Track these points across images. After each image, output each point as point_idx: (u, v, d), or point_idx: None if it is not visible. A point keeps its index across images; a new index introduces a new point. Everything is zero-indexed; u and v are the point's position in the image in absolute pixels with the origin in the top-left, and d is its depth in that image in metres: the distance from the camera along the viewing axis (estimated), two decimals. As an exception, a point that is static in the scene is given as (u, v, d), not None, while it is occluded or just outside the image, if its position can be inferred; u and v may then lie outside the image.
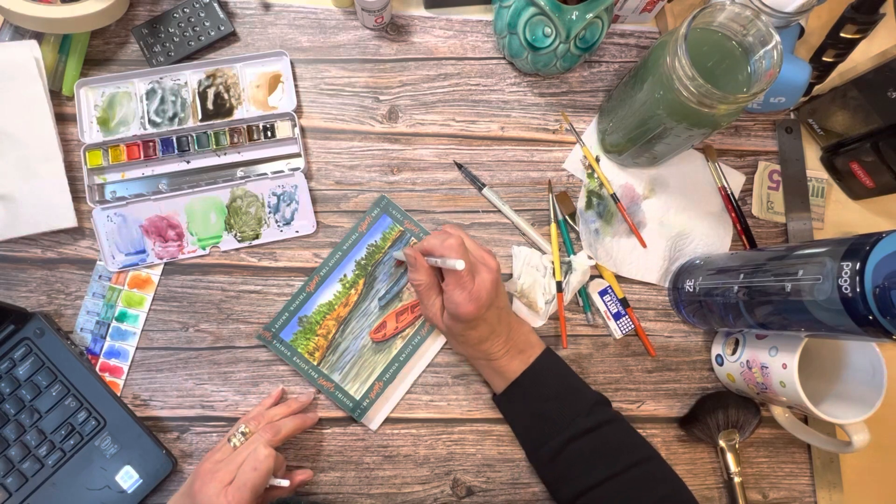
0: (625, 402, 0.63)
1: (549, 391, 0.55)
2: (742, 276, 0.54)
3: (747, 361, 0.58)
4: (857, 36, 0.60)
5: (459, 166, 0.65)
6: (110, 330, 0.61)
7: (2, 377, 0.57)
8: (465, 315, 0.51)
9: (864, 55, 0.62)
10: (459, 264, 0.49)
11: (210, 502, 0.47)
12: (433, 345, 0.62)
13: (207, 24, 0.65)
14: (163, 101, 0.63)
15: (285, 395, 0.61)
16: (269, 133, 0.64)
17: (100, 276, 0.62)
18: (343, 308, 0.62)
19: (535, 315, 0.63)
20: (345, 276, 0.62)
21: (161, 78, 0.64)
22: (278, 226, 0.63)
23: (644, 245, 0.65)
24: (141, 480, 0.57)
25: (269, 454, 0.50)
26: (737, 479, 0.61)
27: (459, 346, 0.57)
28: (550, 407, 0.55)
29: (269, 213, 0.63)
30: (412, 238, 0.63)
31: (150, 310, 0.61)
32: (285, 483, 0.52)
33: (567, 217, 0.65)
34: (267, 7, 0.67)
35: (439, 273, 0.56)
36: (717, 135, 0.69)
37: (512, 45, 0.61)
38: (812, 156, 0.69)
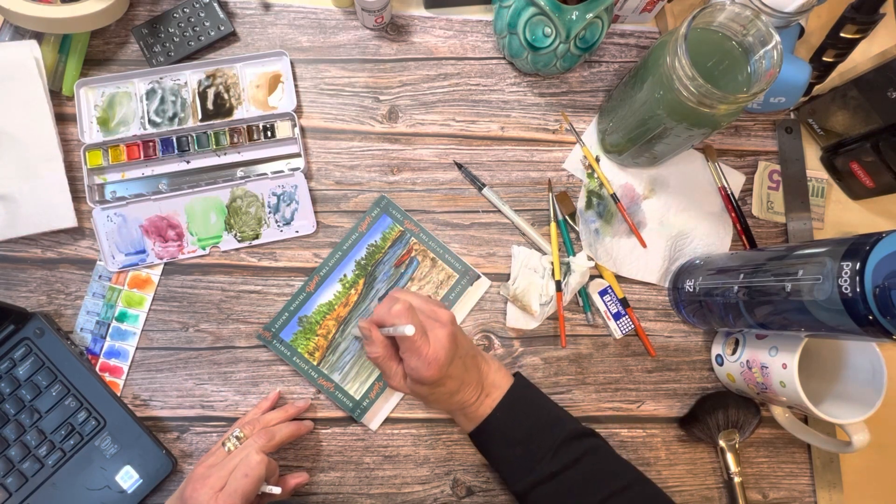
0: (625, 402, 0.63)
1: (514, 434, 0.53)
2: (742, 276, 0.54)
3: (747, 361, 0.58)
4: (857, 36, 0.60)
5: (459, 166, 0.65)
6: (110, 330, 0.61)
7: (2, 377, 0.57)
8: (427, 378, 0.49)
9: (864, 55, 0.62)
10: (409, 329, 0.46)
11: None
12: (433, 345, 0.62)
13: (207, 24, 0.65)
14: (163, 101, 0.63)
15: (283, 399, 0.61)
16: (269, 133, 0.64)
17: (100, 276, 0.62)
18: (343, 308, 0.62)
19: (529, 318, 0.63)
20: (345, 276, 0.62)
21: (161, 78, 0.64)
22: (278, 226, 0.63)
23: (644, 245, 0.65)
24: (141, 480, 0.57)
25: (260, 460, 0.50)
26: (737, 479, 0.61)
27: (432, 405, 0.54)
28: (514, 453, 0.52)
29: (269, 213, 0.63)
30: (412, 238, 0.63)
31: (150, 310, 0.61)
32: (277, 490, 0.51)
33: (567, 217, 0.65)
34: (267, 7, 0.67)
35: (395, 342, 0.53)
36: (717, 135, 0.69)
37: (512, 45, 0.62)
38: (812, 156, 0.69)
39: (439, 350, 0.49)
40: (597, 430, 0.55)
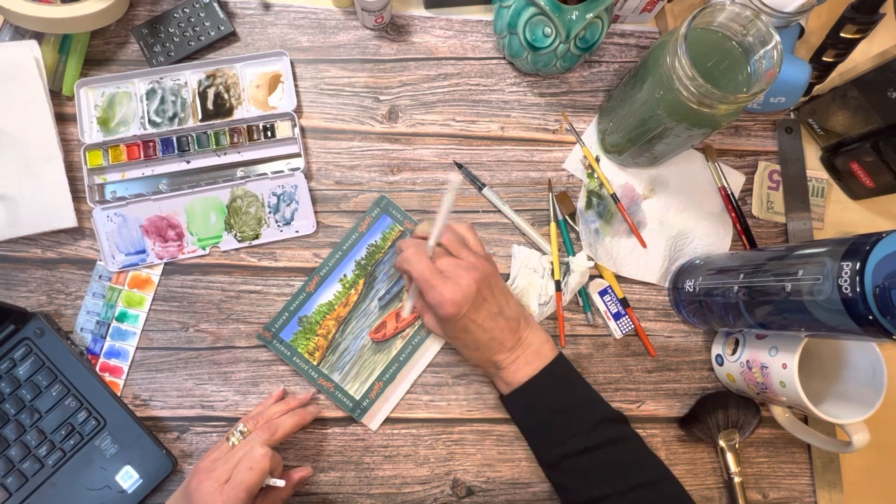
0: (625, 402, 0.63)
1: (553, 403, 0.54)
2: (742, 276, 0.54)
3: (747, 361, 0.58)
4: (857, 36, 0.60)
5: (459, 166, 0.65)
6: (110, 330, 0.61)
7: (2, 377, 0.57)
8: (445, 314, 0.51)
9: (864, 55, 0.62)
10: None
11: (205, 501, 0.47)
12: (433, 345, 0.62)
13: (207, 24, 0.65)
14: (163, 101, 0.63)
15: (286, 396, 0.61)
16: (269, 133, 0.64)
17: (100, 276, 0.62)
18: (343, 308, 0.62)
19: None
20: (345, 276, 0.62)
21: (161, 78, 0.64)
22: (278, 226, 0.63)
23: (644, 245, 0.65)
24: (141, 480, 0.57)
25: (265, 453, 0.50)
26: (737, 479, 0.61)
27: (465, 353, 0.57)
28: (551, 419, 0.54)
29: (269, 213, 0.63)
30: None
31: (150, 310, 0.61)
32: (281, 483, 0.52)
33: (567, 217, 0.65)
34: (267, 7, 0.67)
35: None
36: (717, 135, 0.69)
37: (512, 45, 0.61)
38: (812, 156, 0.69)
39: (457, 290, 0.51)
40: (626, 416, 0.56)
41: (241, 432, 0.53)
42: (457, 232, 0.56)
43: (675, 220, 0.66)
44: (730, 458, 0.61)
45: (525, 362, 0.55)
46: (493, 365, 0.55)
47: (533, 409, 0.55)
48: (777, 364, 0.54)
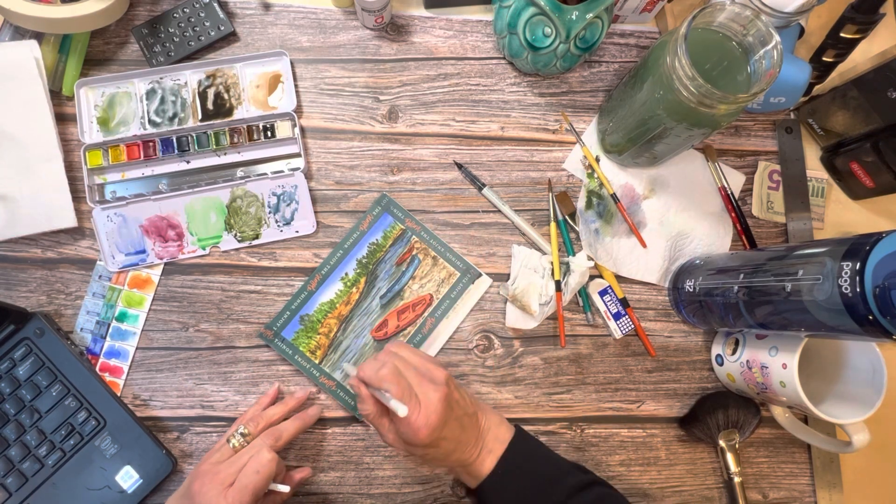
0: (625, 402, 0.63)
1: (517, 492, 0.50)
2: (742, 276, 0.54)
3: (747, 361, 0.58)
4: (857, 36, 0.60)
5: (459, 166, 0.65)
6: (110, 330, 0.61)
7: (2, 377, 0.57)
8: (420, 441, 0.47)
9: (864, 55, 0.62)
10: (402, 410, 0.45)
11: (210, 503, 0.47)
12: (434, 344, 0.62)
13: (207, 24, 0.65)
14: (163, 101, 0.63)
15: (281, 394, 0.61)
16: (269, 133, 0.64)
17: (100, 276, 0.62)
18: (344, 306, 0.62)
19: (529, 318, 0.63)
20: (346, 274, 0.62)
21: (161, 78, 0.64)
22: (278, 226, 0.63)
23: (644, 245, 0.65)
24: (141, 480, 0.57)
25: (272, 458, 0.50)
26: (737, 479, 0.61)
27: (430, 464, 0.52)
28: None
29: (269, 213, 0.63)
30: (413, 237, 0.63)
31: (150, 310, 0.61)
32: (286, 489, 0.52)
33: (567, 217, 0.65)
34: (267, 7, 0.67)
35: None
36: (717, 135, 0.69)
37: (512, 45, 0.62)
38: (812, 156, 0.69)
39: (431, 414, 0.46)
40: (598, 478, 0.52)
41: (242, 434, 0.53)
42: (391, 361, 0.49)
43: (675, 220, 0.66)
44: (730, 458, 0.61)
45: (488, 451, 0.50)
46: (461, 464, 0.50)
47: (502, 501, 0.50)
48: (777, 364, 0.54)
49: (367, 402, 0.49)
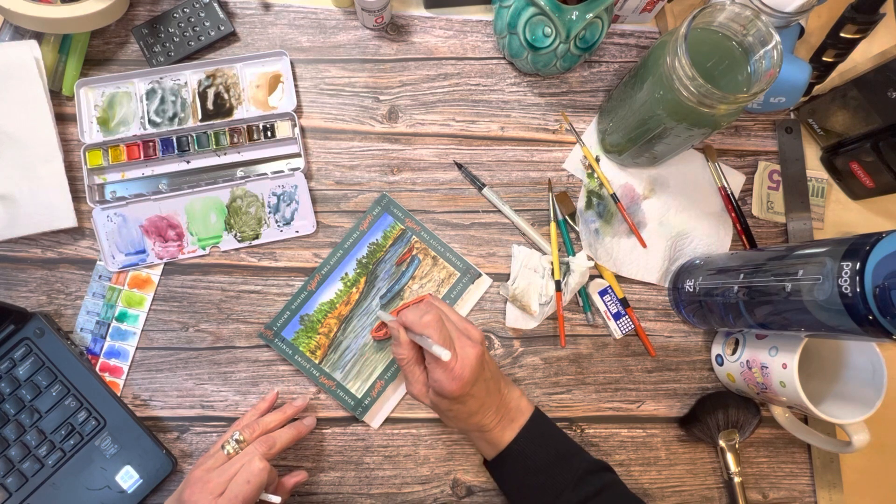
0: (625, 402, 0.63)
1: (537, 462, 0.52)
2: (742, 276, 0.54)
3: (747, 361, 0.58)
4: (857, 36, 0.60)
5: (459, 166, 0.65)
6: (110, 330, 0.61)
7: (2, 377, 0.57)
8: (450, 393, 0.49)
9: (864, 55, 0.62)
10: (445, 354, 0.46)
11: None
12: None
13: (207, 24, 0.65)
14: (163, 101, 0.63)
15: (281, 399, 0.61)
16: (269, 133, 0.64)
17: (100, 276, 0.62)
18: (344, 306, 0.62)
19: (529, 318, 0.63)
20: (346, 274, 0.62)
21: (161, 78, 0.64)
22: (278, 226, 0.63)
23: (644, 245, 0.65)
24: (141, 480, 0.57)
25: (263, 468, 0.49)
26: (737, 479, 0.61)
27: (449, 421, 0.53)
28: (537, 480, 0.52)
29: (269, 213, 0.63)
30: (413, 237, 0.63)
31: (150, 310, 0.61)
32: (277, 500, 0.51)
33: (567, 217, 0.65)
34: (267, 7, 0.67)
35: (422, 348, 0.53)
36: (717, 135, 0.69)
37: (512, 45, 0.62)
38: (812, 156, 0.69)
39: (466, 367, 0.48)
40: (608, 463, 0.55)
41: (237, 441, 0.52)
42: (435, 309, 0.52)
43: (675, 220, 0.66)
44: (730, 458, 0.61)
45: (510, 420, 0.53)
46: (479, 429, 0.52)
47: (520, 471, 0.52)
48: (777, 364, 0.54)
49: (404, 347, 0.52)
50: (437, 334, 0.48)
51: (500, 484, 0.56)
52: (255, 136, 0.64)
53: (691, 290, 0.61)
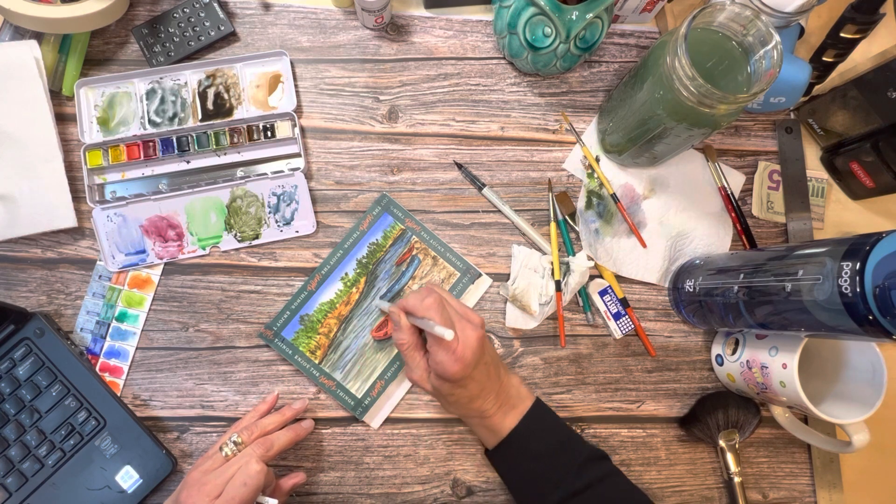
0: (625, 402, 0.63)
1: (540, 448, 0.53)
2: (742, 276, 0.54)
3: (747, 361, 0.58)
4: (857, 36, 0.60)
5: (459, 166, 0.65)
6: (110, 330, 0.61)
7: (2, 377, 0.57)
8: (452, 375, 0.49)
9: (864, 55, 0.62)
10: (448, 334, 0.46)
11: None
12: (433, 345, 0.62)
13: (207, 24, 0.65)
14: (163, 101, 0.63)
15: (281, 401, 0.61)
16: (269, 133, 0.64)
17: (100, 276, 0.62)
18: (344, 306, 0.62)
19: (529, 318, 0.63)
20: (346, 274, 0.62)
21: (161, 78, 0.64)
22: (278, 226, 0.63)
23: (644, 245, 0.65)
24: (141, 480, 0.57)
25: (260, 470, 0.49)
26: (737, 479, 0.61)
27: (450, 406, 0.54)
28: (540, 466, 0.52)
29: (269, 213, 0.63)
30: (413, 237, 0.63)
31: (150, 310, 0.61)
32: (273, 502, 0.51)
33: (567, 217, 0.65)
34: (267, 7, 0.67)
35: (422, 331, 0.54)
36: (717, 135, 0.69)
37: (512, 45, 0.62)
38: (812, 156, 0.69)
39: (467, 349, 0.49)
40: (603, 451, 0.56)
41: (235, 443, 0.52)
42: (436, 293, 0.53)
43: (675, 220, 0.66)
44: (730, 458, 0.61)
45: (510, 406, 0.53)
46: (480, 415, 0.53)
47: (522, 457, 0.53)
48: (777, 364, 0.54)
49: (405, 331, 0.52)
50: (438, 316, 0.49)
51: (501, 472, 0.57)
52: (255, 136, 0.64)
53: (691, 290, 0.61)
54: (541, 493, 0.52)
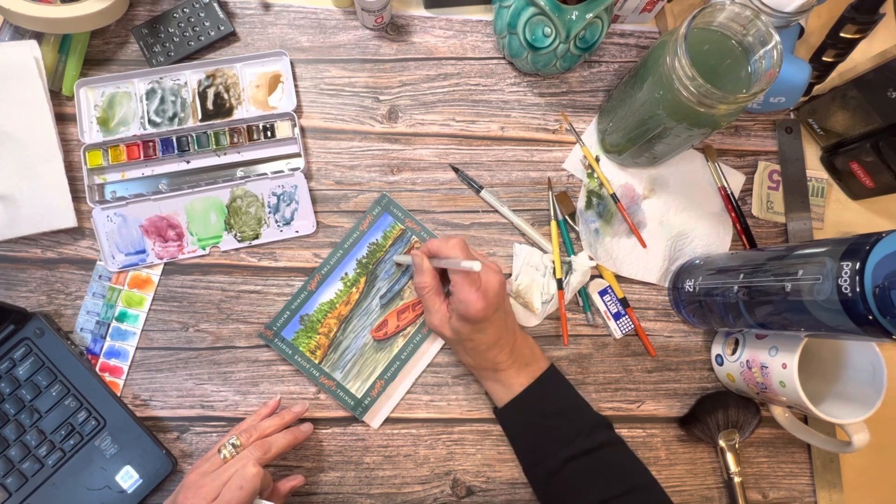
0: (625, 402, 0.63)
1: (553, 407, 0.54)
2: (742, 276, 0.54)
3: (747, 361, 0.58)
4: (857, 36, 0.60)
5: (456, 170, 0.65)
6: (110, 330, 0.61)
7: (2, 377, 0.57)
8: (475, 314, 0.50)
9: (864, 55, 0.62)
10: (476, 265, 0.47)
11: None
12: (434, 344, 0.62)
13: (207, 24, 0.65)
14: (163, 101, 0.63)
15: (282, 403, 0.61)
16: (268, 133, 0.64)
17: (100, 276, 0.62)
18: (344, 306, 0.62)
19: (531, 315, 0.63)
20: (346, 274, 0.62)
21: (161, 78, 0.64)
22: (278, 226, 0.63)
23: (644, 245, 0.65)
24: (141, 480, 0.57)
25: (256, 473, 0.49)
26: (737, 479, 0.61)
27: (467, 353, 0.55)
28: (553, 423, 0.54)
29: (269, 213, 0.63)
30: (413, 237, 0.63)
31: (150, 310, 0.61)
32: None
33: (567, 217, 0.65)
34: (267, 7, 0.67)
35: (443, 277, 0.56)
36: (717, 135, 0.69)
37: (512, 45, 0.62)
38: (812, 156, 0.69)
39: (490, 289, 0.50)
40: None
41: (234, 445, 0.52)
42: (459, 236, 0.56)
43: (675, 220, 0.66)
44: (730, 458, 0.61)
45: (524, 363, 0.54)
46: (494, 366, 0.54)
47: (534, 414, 0.54)
48: (777, 364, 0.54)
49: (427, 274, 0.54)
50: (463, 254, 0.51)
51: (510, 429, 0.58)
52: (255, 136, 0.64)
53: (691, 290, 0.61)
54: (550, 450, 0.53)
